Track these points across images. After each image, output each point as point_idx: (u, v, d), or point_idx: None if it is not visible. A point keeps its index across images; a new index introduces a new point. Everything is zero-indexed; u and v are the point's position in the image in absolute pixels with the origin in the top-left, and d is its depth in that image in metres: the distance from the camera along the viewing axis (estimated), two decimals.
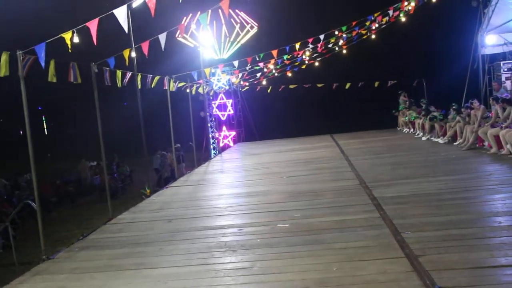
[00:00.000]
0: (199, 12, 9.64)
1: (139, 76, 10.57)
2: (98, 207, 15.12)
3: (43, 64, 6.04)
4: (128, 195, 18.19)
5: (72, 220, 14.75)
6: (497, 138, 9.49)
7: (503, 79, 14.62)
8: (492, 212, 5.45)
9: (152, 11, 6.81)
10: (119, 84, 9.58)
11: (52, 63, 6.27)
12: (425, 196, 6.49)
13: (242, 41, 21.01)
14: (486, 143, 10.33)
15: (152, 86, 11.83)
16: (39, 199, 5.88)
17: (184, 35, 18.94)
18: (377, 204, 6.25)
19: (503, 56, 15.36)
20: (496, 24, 15.05)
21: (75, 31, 6.40)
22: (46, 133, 49.65)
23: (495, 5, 14.37)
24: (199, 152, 19.36)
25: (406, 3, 16.51)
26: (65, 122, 45.70)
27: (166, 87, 12.51)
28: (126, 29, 6.86)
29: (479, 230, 4.76)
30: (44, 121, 49.75)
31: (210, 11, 8.97)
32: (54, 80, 6.39)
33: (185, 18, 18.42)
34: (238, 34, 20.71)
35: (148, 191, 12.68)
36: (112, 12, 6.56)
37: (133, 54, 9.61)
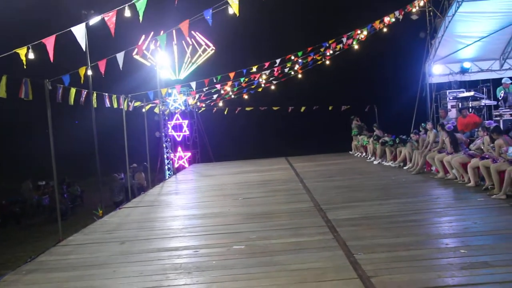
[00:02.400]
0: (161, 32, 9.63)
1: (95, 95, 10.39)
2: (47, 228, 14.56)
3: None
4: (78, 216, 17.61)
5: (19, 242, 14.11)
6: (443, 163, 9.93)
7: (449, 107, 15.36)
8: (440, 234, 5.69)
9: (112, 31, 6.76)
10: (70, 101, 9.37)
11: (4, 78, 6.08)
12: (376, 218, 6.69)
13: (199, 62, 21.11)
14: (433, 168, 10.78)
15: (116, 105, 11.66)
16: None
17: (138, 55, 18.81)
18: (331, 226, 6.37)
19: (449, 85, 16.18)
20: (442, 55, 15.88)
21: (30, 47, 6.26)
22: None
23: (442, 37, 15.19)
24: (153, 172, 19.09)
25: (359, 32, 17.14)
26: (11, 140, 43.91)
27: (122, 106, 12.35)
28: (84, 47, 6.78)
29: (427, 252, 4.96)
30: None
31: (173, 31, 8.98)
32: (4, 96, 6.19)
33: (143, 36, 18.34)
34: (195, 56, 20.81)
35: (101, 212, 12.31)
36: (70, 29, 6.47)
37: (89, 72, 9.46)
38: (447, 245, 5.12)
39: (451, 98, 15.56)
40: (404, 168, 12.09)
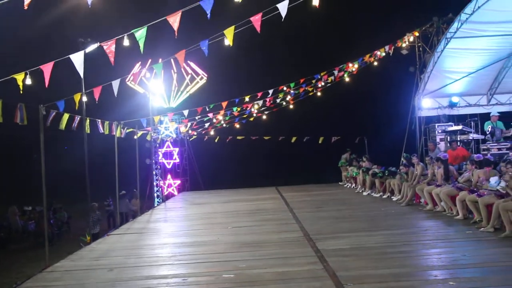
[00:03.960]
0: (159, 60, 9.78)
1: (88, 121, 10.43)
2: (32, 254, 14.31)
3: None
4: (65, 242, 17.34)
5: (3, 268, 13.82)
6: (432, 195, 10.02)
7: (437, 140, 15.58)
8: (428, 266, 5.72)
9: (111, 59, 6.87)
10: (62, 127, 9.39)
11: None
12: (366, 249, 6.71)
13: (191, 91, 21.27)
14: (423, 200, 10.86)
15: (106, 132, 11.68)
16: None
17: (132, 82, 18.93)
18: (320, 256, 6.38)
19: (438, 118, 16.47)
20: (431, 89, 16.21)
21: (28, 73, 6.33)
22: None
23: (430, 72, 15.55)
24: (142, 199, 18.95)
25: (350, 65, 17.48)
26: None
27: (114, 133, 12.38)
28: (82, 74, 6.87)
29: (417, 283, 4.98)
30: None
31: (172, 60, 9.11)
32: (1, 121, 6.23)
33: (138, 64, 18.49)
34: (187, 84, 20.98)
35: (88, 238, 12.16)
36: (69, 57, 6.56)
37: (84, 99, 9.53)
38: (436, 277, 5.15)
39: (440, 131, 15.80)
40: (394, 199, 12.16)
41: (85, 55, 7.11)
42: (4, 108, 6.29)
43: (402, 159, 12.26)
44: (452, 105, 16.41)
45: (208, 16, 6.52)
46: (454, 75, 15.67)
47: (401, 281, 5.03)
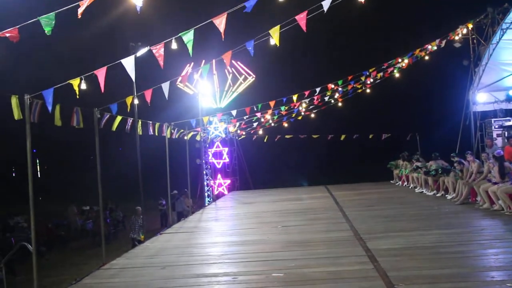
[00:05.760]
0: (203, 61, 9.97)
1: (140, 123, 10.77)
2: (90, 252, 14.93)
3: (50, 108, 6.22)
4: (120, 241, 17.99)
5: (64, 265, 14.51)
6: (489, 193, 9.62)
7: (494, 135, 14.95)
8: (485, 266, 5.51)
9: (161, 63, 7.06)
10: (113, 128, 9.73)
11: (57, 108, 6.45)
12: (418, 248, 6.54)
13: (239, 91, 21.49)
14: (479, 198, 10.44)
15: (157, 134, 12.01)
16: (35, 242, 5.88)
17: (181, 84, 19.35)
18: (371, 255, 6.28)
19: (494, 113, 15.79)
20: (486, 83, 15.58)
21: (83, 78, 6.62)
22: (39, 176, 49.38)
23: (485, 65, 14.94)
24: (193, 199, 19.32)
25: (400, 60, 17.07)
26: (58, 166, 45.65)
27: (164, 134, 12.70)
28: (133, 78, 7.11)
29: (472, 285, 4.80)
30: (38, 164, 49.59)
31: (214, 61, 9.27)
32: (60, 124, 6.56)
33: (188, 65, 18.89)
34: (235, 84, 21.21)
35: (142, 237, 12.54)
36: (120, 61, 6.81)
37: (136, 101, 9.85)
38: (493, 278, 4.95)
39: (496, 126, 15.16)
40: (448, 198, 11.77)
41: (136, 59, 7.34)
42: (61, 112, 6.62)
43: (452, 158, 11.85)
44: (509, 99, 15.69)
45: (249, 10, 6.52)
46: (511, 68, 14.98)
47: (455, 282, 4.87)
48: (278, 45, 7.61)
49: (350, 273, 5.56)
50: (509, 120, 14.71)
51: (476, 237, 7.24)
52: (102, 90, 6.69)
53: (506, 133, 14.39)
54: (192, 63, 18.35)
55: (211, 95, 21.19)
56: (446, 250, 6.37)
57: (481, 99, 16.02)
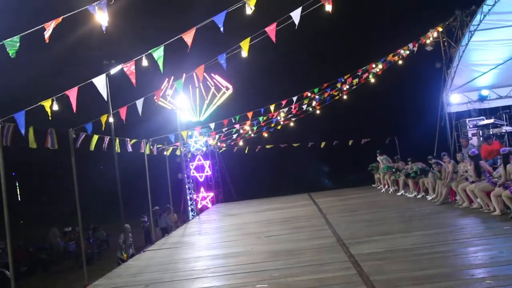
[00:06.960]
0: (172, 77, 9.97)
1: (117, 140, 10.69)
2: (73, 274, 14.67)
3: (23, 131, 6.14)
4: (105, 261, 17.71)
5: None
6: (467, 192, 9.78)
7: (469, 135, 15.23)
8: (465, 265, 5.59)
9: (133, 80, 7.04)
10: (91, 147, 9.65)
11: (31, 130, 6.37)
12: (400, 251, 6.60)
13: (218, 103, 21.48)
14: (458, 197, 10.60)
15: (133, 151, 11.93)
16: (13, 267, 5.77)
17: (161, 99, 19.26)
18: (354, 261, 6.31)
19: (468, 113, 16.11)
20: (459, 84, 15.92)
21: (54, 99, 6.56)
22: (19, 200, 48.46)
23: (457, 67, 15.26)
24: (177, 214, 19.18)
25: (374, 66, 17.31)
26: (39, 188, 44.88)
27: (143, 150, 12.62)
28: (105, 97, 7.07)
29: (453, 284, 4.86)
30: (18, 188, 48.70)
31: (184, 76, 9.29)
32: (35, 146, 6.47)
33: (166, 80, 18.83)
34: (214, 97, 21.20)
35: (125, 255, 12.38)
36: (91, 81, 6.77)
37: (111, 120, 9.78)
38: (473, 276, 5.03)
39: (471, 126, 15.47)
40: (428, 199, 11.93)
41: (111, 76, 7.31)
42: (35, 134, 6.54)
43: (429, 161, 12.08)
44: (482, 99, 16.05)
45: (221, 29, 6.61)
46: (481, 68, 15.34)
47: (436, 282, 4.92)
48: (247, 56, 7.65)
49: (334, 279, 5.58)
50: (483, 119, 15.02)
51: (456, 236, 7.34)
52: (74, 110, 6.63)
53: (481, 132, 14.68)
54: (172, 77, 18.33)
55: (190, 109, 21.14)
56: (427, 251, 6.45)
57: (455, 100, 16.33)
